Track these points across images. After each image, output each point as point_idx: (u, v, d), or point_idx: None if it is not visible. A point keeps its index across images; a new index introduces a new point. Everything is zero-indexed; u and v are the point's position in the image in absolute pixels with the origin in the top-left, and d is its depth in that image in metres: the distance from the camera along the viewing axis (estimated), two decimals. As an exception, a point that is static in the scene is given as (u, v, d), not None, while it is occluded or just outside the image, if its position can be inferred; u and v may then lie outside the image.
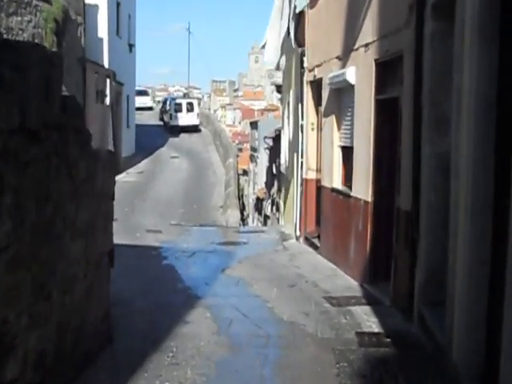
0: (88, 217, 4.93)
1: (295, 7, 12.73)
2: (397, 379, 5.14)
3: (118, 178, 20.89)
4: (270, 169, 29.36)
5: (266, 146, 31.54)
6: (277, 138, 23.82)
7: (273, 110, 48.47)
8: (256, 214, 35.97)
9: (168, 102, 42.22)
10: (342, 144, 10.21)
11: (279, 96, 26.32)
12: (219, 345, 5.93)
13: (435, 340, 5.49)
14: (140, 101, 42.01)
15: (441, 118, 6.10)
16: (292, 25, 13.11)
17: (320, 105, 11.51)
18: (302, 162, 12.77)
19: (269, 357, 5.74)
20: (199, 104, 47.87)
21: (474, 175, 4.42)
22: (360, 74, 8.85)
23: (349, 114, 9.69)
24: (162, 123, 42.59)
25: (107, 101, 21.25)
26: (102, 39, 21.87)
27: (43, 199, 3.89)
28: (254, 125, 46.17)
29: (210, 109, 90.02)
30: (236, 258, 10.93)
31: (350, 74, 9.10)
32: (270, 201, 28.03)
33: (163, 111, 43.56)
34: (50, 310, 4.07)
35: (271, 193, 27.39)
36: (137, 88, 37.19)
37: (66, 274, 4.39)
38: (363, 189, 8.63)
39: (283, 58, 15.82)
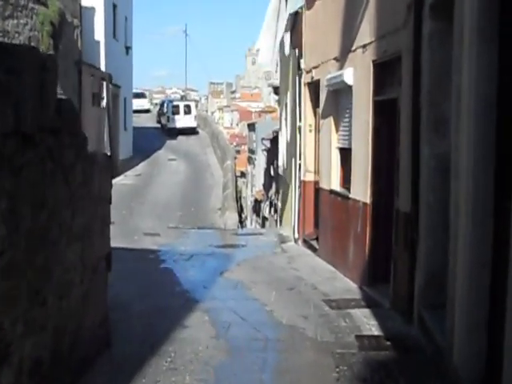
0: (84, 221, 4.88)
1: (291, 8, 12.71)
2: (397, 383, 5.09)
3: (116, 180, 20.90)
4: (267, 171, 29.37)
5: (263, 147, 31.57)
6: (274, 140, 23.80)
7: (270, 112, 48.43)
8: (254, 216, 35.98)
9: (165, 105, 42.19)
10: (340, 146, 10.17)
11: (277, 98, 26.33)
12: (218, 349, 5.88)
13: (435, 343, 5.44)
14: (137, 103, 41.99)
15: (440, 119, 6.07)
16: (288, 26, 13.09)
17: (318, 106, 11.48)
18: (299, 164, 12.73)
19: (268, 361, 5.69)
20: (197, 106, 47.78)
21: (474, 176, 4.38)
22: (358, 75, 8.82)
23: (347, 115, 9.65)
24: (159, 126, 42.54)
25: (103, 103, 21.19)
26: (98, 42, 21.78)
27: (38, 204, 3.84)
28: (251, 127, 46.20)
29: (207, 111, 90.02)
30: (234, 260, 10.88)
31: (348, 76, 9.07)
32: (268, 203, 28.02)
33: (160, 114, 43.51)
34: (45, 315, 4.02)
35: (269, 195, 27.39)
36: (134, 90, 37.14)
37: (62, 280, 4.34)
38: (362, 190, 8.59)
39: (278, 59, 15.79)
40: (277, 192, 22.05)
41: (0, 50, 3.51)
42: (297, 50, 12.79)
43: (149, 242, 13.03)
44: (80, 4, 20.26)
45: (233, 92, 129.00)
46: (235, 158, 33.72)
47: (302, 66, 12.29)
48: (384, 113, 8.05)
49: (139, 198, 20.68)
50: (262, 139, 31.06)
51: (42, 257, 3.93)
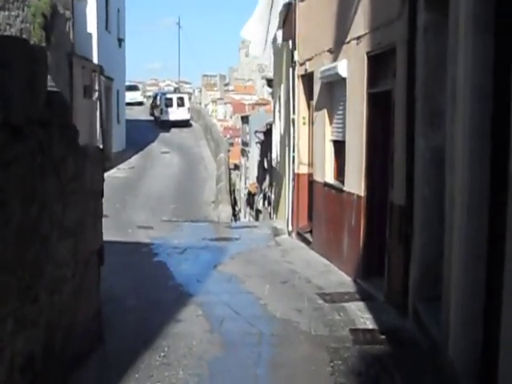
0: (76, 215, 4.82)
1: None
2: (393, 377, 5.07)
3: (109, 173, 20.79)
4: (261, 163, 29.28)
5: (257, 140, 31.45)
6: (268, 133, 23.69)
7: (264, 105, 48.45)
8: (248, 209, 35.93)
9: (158, 97, 42.03)
10: (334, 138, 10.12)
11: (270, 90, 26.24)
12: (211, 343, 5.85)
13: (431, 336, 5.42)
14: (130, 96, 41.76)
15: (434, 111, 6.03)
16: (281, 23, 13.01)
17: (311, 99, 11.43)
18: (293, 157, 12.68)
19: (262, 355, 5.67)
20: (190, 99, 47.63)
21: (469, 168, 4.35)
22: (352, 67, 8.76)
23: (341, 107, 9.60)
24: (152, 118, 42.39)
25: (96, 96, 21.05)
26: (90, 34, 21.61)
27: (28, 198, 3.78)
28: (245, 119, 46.08)
29: (200, 103, 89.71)
30: (228, 254, 10.84)
31: (342, 68, 9.02)
32: (261, 195, 27.96)
33: (154, 106, 43.37)
34: (37, 311, 3.97)
35: (263, 187, 27.32)
36: (127, 83, 36.97)
37: (53, 275, 4.28)
38: (356, 183, 8.55)
39: (272, 51, 15.68)
40: (270, 185, 21.99)
41: (-12, 41, 3.45)
42: (290, 42, 12.72)
43: (142, 235, 12.96)
44: (72, -4, 20.08)
45: (226, 84, 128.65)
46: (229, 150, 33.61)
47: (296, 58, 12.23)
48: (378, 105, 8.00)
49: (132, 191, 20.59)
50: (256, 132, 30.91)
51: (33, 252, 3.87)
